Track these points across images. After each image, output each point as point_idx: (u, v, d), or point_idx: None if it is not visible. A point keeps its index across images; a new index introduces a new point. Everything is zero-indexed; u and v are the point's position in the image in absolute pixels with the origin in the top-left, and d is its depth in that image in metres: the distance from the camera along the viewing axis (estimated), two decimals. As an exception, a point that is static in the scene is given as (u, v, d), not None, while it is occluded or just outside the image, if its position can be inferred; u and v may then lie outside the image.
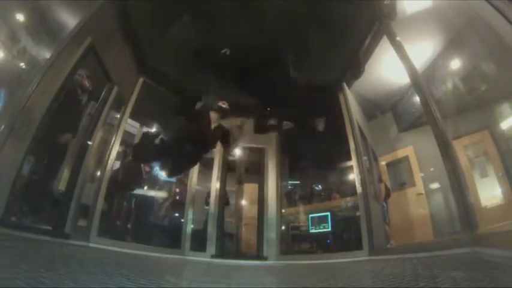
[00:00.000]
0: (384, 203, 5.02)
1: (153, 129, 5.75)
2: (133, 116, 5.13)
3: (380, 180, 5.27)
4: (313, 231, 5.24)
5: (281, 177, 5.78)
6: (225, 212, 5.65)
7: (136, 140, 5.58)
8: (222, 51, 4.19)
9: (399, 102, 5.35)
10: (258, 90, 4.79)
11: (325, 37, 4.45)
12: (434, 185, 4.77)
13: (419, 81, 3.70)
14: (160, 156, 4.14)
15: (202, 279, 2.42)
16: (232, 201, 6.21)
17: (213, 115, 3.68)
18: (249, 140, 5.30)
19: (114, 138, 4.59)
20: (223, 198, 5.59)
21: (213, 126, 3.68)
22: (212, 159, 5.70)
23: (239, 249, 5.80)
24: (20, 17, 3.39)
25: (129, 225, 4.87)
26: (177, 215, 5.80)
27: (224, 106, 3.66)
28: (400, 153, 5.46)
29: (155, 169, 5.84)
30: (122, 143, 4.84)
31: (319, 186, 6.15)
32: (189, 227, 5.13)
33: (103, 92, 4.26)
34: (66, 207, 3.58)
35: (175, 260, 4.44)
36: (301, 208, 5.78)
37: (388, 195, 5.14)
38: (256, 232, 5.37)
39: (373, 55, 4.62)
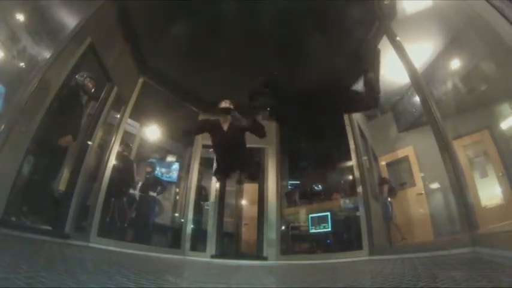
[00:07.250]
0: (388, 201, 4.99)
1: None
2: (133, 116, 5.14)
3: (385, 181, 5.24)
4: (313, 231, 5.23)
5: (281, 177, 5.78)
6: (225, 212, 5.66)
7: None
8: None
9: (399, 102, 5.34)
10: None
11: (326, 37, 4.45)
12: (434, 185, 4.76)
13: (419, 81, 3.70)
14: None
15: (202, 279, 2.42)
16: (232, 201, 6.21)
17: (221, 118, 3.71)
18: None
19: (114, 138, 4.59)
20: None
21: (225, 127, 3.69)
22: (212, 159, 5.70)
23: (239, 249, 5.79)
24: (20, 17, 3.38)
25: (125, 225, 4.86)
26: (176, 214, 5.80)
27: (227, 105, 3.67)
28: (400, 153, 5.44)
29: (157, 170, 5.85)
30: (122, 142, 4.84)
31: (319, 186, 6.14)
32: (189, 227, 5.14)
33: (103, 92, 4.26)
34: (66, 207, 3.58)
35: (175, 260, 4.44)
36: (301, 208, 5.77)
37: (394, 194, 5.11)
38: (256, 232, 5.37)
39: (373, 55, 4.61)
